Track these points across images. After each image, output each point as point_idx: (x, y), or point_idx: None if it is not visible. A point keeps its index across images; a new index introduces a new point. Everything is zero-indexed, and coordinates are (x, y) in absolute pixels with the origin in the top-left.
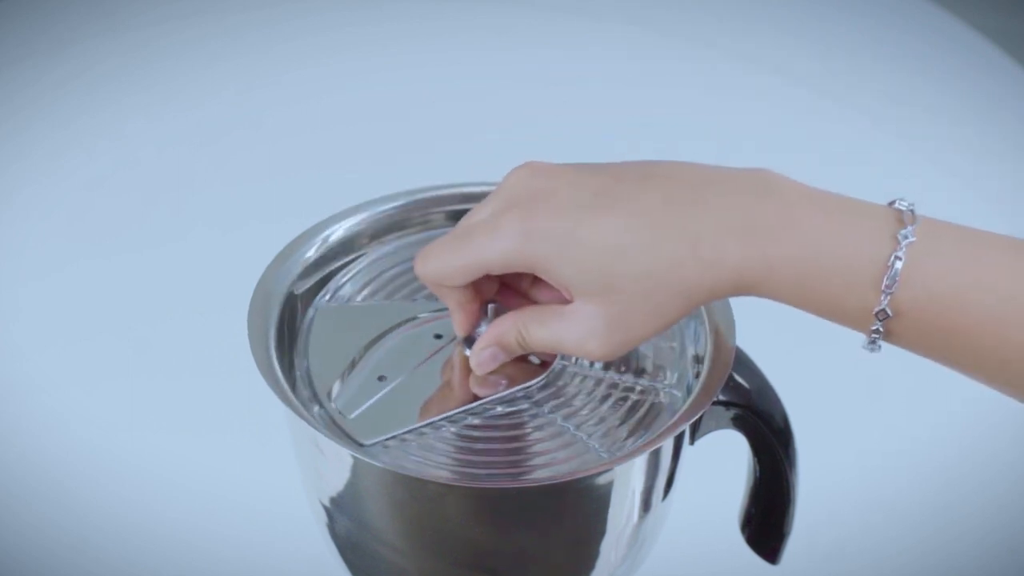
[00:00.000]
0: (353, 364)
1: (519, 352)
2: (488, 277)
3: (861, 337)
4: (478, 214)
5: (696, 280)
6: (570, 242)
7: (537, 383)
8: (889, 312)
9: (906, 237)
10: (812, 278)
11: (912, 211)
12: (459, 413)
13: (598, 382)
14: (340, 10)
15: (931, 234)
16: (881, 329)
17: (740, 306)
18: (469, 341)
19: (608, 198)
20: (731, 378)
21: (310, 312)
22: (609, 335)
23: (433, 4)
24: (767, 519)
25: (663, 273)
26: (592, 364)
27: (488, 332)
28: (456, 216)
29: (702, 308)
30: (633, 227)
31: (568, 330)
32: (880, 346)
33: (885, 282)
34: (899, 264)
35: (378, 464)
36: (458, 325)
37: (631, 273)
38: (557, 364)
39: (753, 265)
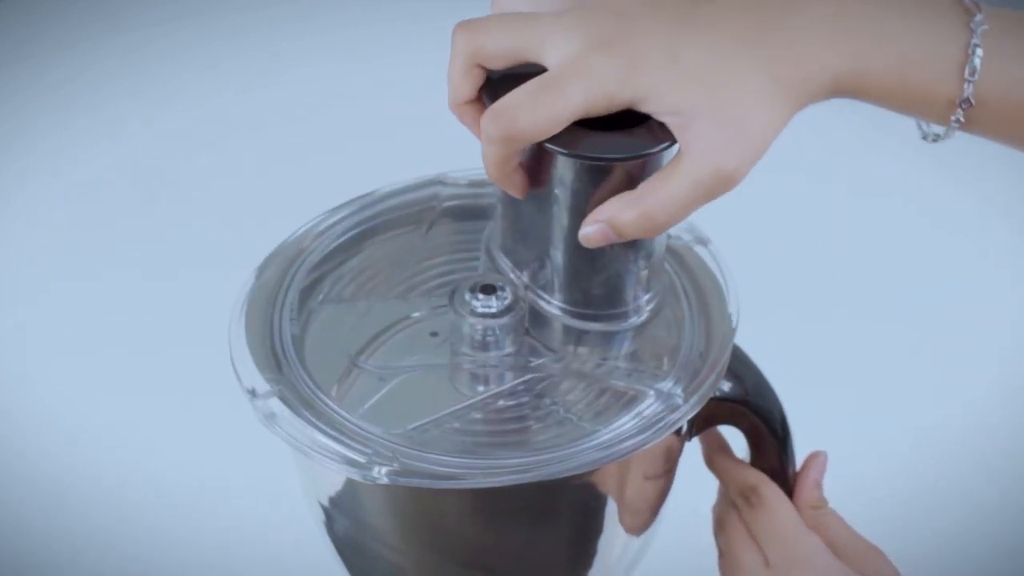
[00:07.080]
0: (351, 363)
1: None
2: None
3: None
4: (556, 58)
5: (792, 74)
6: (671, 67)
7: (537, 379)
8: (972, 101)
9: (980, 24)
10: (901, 71)
11: (975, 1)
12: (460, 409)
13: (597, 378)
14: (340, 10)
15: (1000, 18)
16: (961, 119)
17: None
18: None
19: (693, 18)
20: (729, 375)
21: (308, 312)
22: (732, 145)
23: (433, 4)
24: None
25: (763, 72)
26: (592, 360)
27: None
28: (455, 214)
29: (702, 306)
30: (727, 38)
31: (693, 168)
32: (942, 134)
33: (967, 70)
34: (979, 52)
35: None
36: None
37: (733, 77)
38: (556, 361)
39: (847, 62)
